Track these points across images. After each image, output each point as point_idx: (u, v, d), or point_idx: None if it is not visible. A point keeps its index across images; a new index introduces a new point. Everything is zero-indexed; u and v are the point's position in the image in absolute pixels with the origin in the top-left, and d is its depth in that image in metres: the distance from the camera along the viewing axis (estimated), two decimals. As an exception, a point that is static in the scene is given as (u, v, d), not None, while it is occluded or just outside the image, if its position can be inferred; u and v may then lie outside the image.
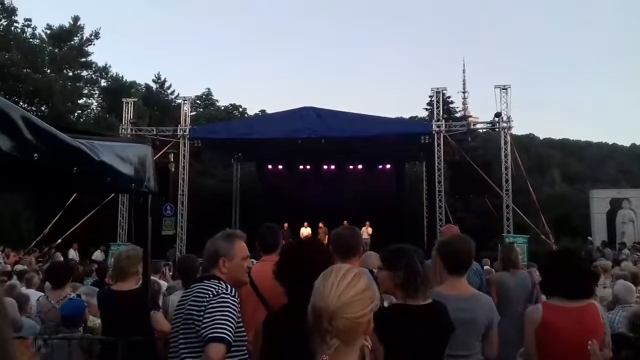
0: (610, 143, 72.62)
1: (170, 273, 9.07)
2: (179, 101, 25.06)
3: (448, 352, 2.91)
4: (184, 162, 20.38)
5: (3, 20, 28.79)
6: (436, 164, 18.71)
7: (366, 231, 19.64)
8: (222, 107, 44.96)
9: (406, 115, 42.82)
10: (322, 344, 1.48)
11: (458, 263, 3.30)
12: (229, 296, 2.67)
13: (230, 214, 24.68)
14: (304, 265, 2.40)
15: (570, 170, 49.17)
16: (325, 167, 24.21)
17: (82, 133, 2.37)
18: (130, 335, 3.51)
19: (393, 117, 28.59)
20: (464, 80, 58.42)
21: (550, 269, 3.23)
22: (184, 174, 20.41)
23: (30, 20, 30.24)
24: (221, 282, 2.77)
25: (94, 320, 4.67)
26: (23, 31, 29.84)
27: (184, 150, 20.32)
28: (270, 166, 25.26)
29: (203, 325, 2.55)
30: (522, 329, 3.27)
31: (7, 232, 20.45)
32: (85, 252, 18.82)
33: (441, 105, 19.62)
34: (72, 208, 18.19)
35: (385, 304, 3.08)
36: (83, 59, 32.58)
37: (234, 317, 2.62)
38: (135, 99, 23.29)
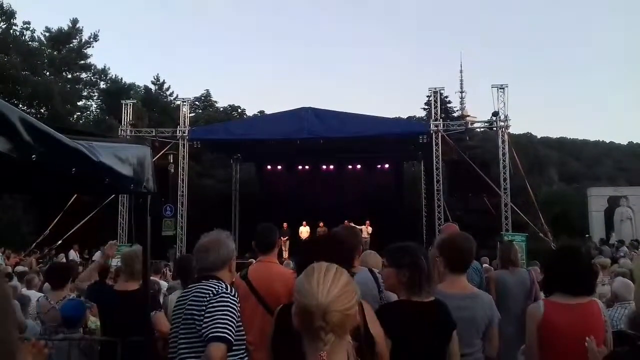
0: (608, 141, 72.91)
1: (171, 273, 9.08)
2: (178, 102, 24.98)
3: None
4: (183, 163, 20.37)
5: (2, 23, 28.83)
6: (434, 163, 18.71)
7: (366, 230, 19.64)
8: (221, 108, 44.91)
9: (404, 115, 42.94)
10: (317, 341, 1.49)
11: (460, 261, 3.31)
12: (229, 296, 2.69)
13: (230, 214, 24.66)
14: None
15: (567, 168, 49.29)
16: (324, 167, 24.19)
17: (81, 134, 2.38)
18: (132, 335, 3.52)
19: (391, 117, 28.66)
20: (461, 79, 58.52)
21: (554, 265, 3.21)
22: (183, 174, 20.41)
23: (29, 23, 30.34)
24: (220, 282, 2.78)
25: (96, 322, 4.69)
26: (22, 34, 29.90)
27: (183, 151, 20.32)
28: (269, 167, 25.25)
29: (204, 325, 2.57)
30: (521, 327, 3.28)
31: (8, 233, 20.48)
32: (85, 253, 18.84)
33: (439, 105, 19.61)
34: (72, 209, 18.19)
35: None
36: (82, 61, 32.63)
37: (234, 316, 2.63)
38: (135, 101, 23.28)
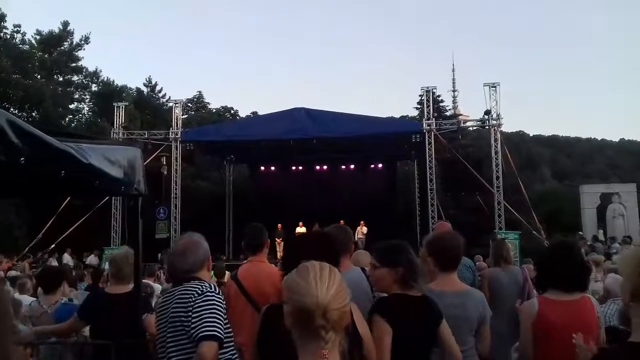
0: (599, 139, 73.19)
1: (165, 276, 9.05)
2: (171, 104, 24.94)
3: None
4: (176, 165, 20.34)
5: (-8, 26, 28.65)
6: (427, 162, 18.76)
7: (361, 230, 19.67)
8: (214, 110, 44.81)
9: (397, 115, 42.92)
10: (317, 340, 1.49)
11: (449, 259, 3.31)
12: (213, 294, 2.69)
13: (224, 216, 24.62)
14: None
15: (560, 166, 49.51)
16: (317, 167, 24.18)
17: (70, 136, 2.37)
18: (124, 338, 3.51)
19: (384, 116, 28.64)
20: (453, 79, 58.54)
21: (547, 262, 3.23)
22: (176, 177, 20.37)
23: (19, 26, 30.13)
24: (203, 282, 2.78)
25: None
26: (12, 37, 29.70)
27: (177, 153, 20.28)
28: (262, 167, 25.21)
29: (192, 326, 2.56)
30: (514, 324, 3.29)
31: (0, 238, 20.35)
32: (78, 256, 18.76)
33: (431, 104, 19.65)
34: (65, 213, 18.12)
35: None
36: (73, 64, 32.47)
37: (221, 314, 2.64)
38: (127, 103, 23.20)
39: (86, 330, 4.07)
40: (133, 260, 3.84)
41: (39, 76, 29.71)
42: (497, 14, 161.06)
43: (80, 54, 32.58)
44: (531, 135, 63.54)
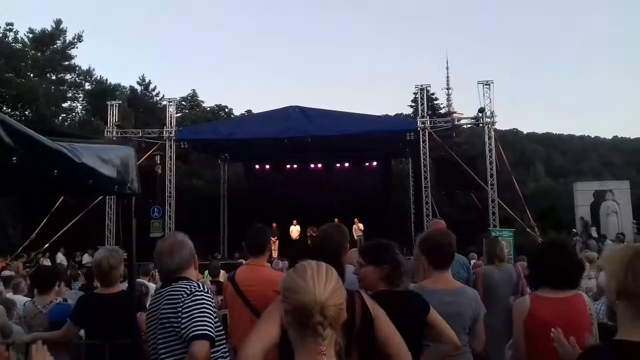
0: (593, 136, 73.43)
1: (159, 275, 9.02)
2: (164, 103, 24.87)
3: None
4: (170, 164, 20.28)
5: (-16, 25, 28.46)
6: (422, 160, 18.80)
7: (357, 228, 19.69)
8: (208, 108, 44.68)
9: (391, 113, 42.91)
10: (315, 337, 1.54)
11: (440, 257, 3.32)
12: (202, 293, 2.69)
13: (219, 214, 24.59)
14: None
15: (554, 163, 49.64)
16: (312, 165, 24.18)
17: (63, 135, 2.36)
18: (116, 338, 3.49)
19: (378, 114, 28.63)
20: (447, 76, 58.71)
21: (539, 260, 3.25)
22: (170, 175, 20.31)
23: (12, 24, 29.87)
24: (191, 282, 2.78)
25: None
26: (5, 35, 29.48)
27: (171, 152, 20.22)
28: (257, 166, 25.20)
29: (182, 326, 2.56)
30: (509, 322, 3.30)
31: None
32: (71, 256, 18.69)
33: (425, 102, 19.69)
34: (59, 212, 18.05)
35: None
36: (66, 63, 32.26)
37: (211, 313, 2.63)
38: (120, 102, 23.12)
39: (82, 331, 4.05)
40: (118, 262, 3.82)
41: (31, 75, 29.52)
42: (492, 12, 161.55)
43: (73, 52, 32.39)
44: (525, 132, 63.67)
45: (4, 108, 25.83)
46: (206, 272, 9.72)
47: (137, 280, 4.80)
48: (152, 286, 6.38)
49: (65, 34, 31.87)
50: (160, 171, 20.10)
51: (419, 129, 18.83)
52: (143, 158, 17.89)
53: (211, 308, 2.67)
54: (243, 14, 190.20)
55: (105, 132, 20.21)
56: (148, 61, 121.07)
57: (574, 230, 21.36)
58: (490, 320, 4.20)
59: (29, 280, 7.20)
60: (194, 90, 46.52)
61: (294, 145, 19.83)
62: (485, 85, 18.52)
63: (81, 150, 2.27)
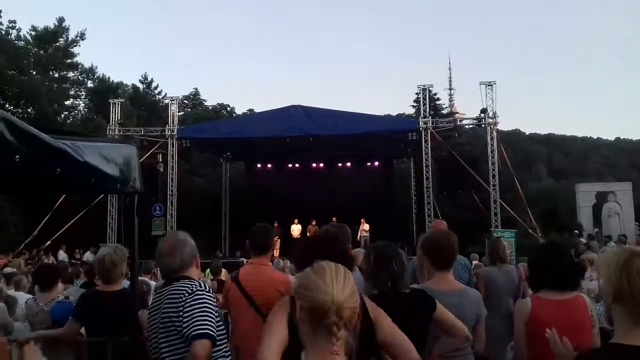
0: (595, 137, 73.28)
1: (161, 273, 9.01)
2: (167, 101, 24.87)
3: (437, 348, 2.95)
4: (172, 162, 20.28)
5: (-13, 22, 28.48)
6: (424, 160, 18.78)
7: (363, 228, 19.71)
8: (210, 107, 44.78)
9: (393, 113, 43.08)
10: (330, 336, 1.57)
11: (442, 258, 3.32)
12: (204, 292, 2.69)
13: (220, 213, 24.61)
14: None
15: (556, 164, 49.59)
16: (314, 165, 24.18)
17: (66, 134, 2.36)
18: (117, 336, 3.50)
19: (381, 114, 28.66)
20: (450, 77, 58.72)
21: (537, 262, 3.27)
22: (172, 174, 20.31)
23: (14, 22, 29.92)
24: (193, 281, 2.78)
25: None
26: (8, 33, 29.52)
27: (173, 150, 20.21)
28: (259, 165, 25.20)
29: (184, 325, 2.56)
30: (510, 323, 3.30)
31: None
32: (73, 253, 18.73)
33: (428, 102, 19.65)
34: (61, 210, 18.07)
35: None
36: (69, 61, 32.28)
37: (212, 312, 2.64)
38: (123, 100, 23.16)
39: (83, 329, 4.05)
40: (121, 260, 3.82)
41: (34, 72, 29.56)
42: (494, 12, 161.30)
43: (75, 50, 32.39)
44: (527, 133, 63.62)
45: (7, 106, 25.86)
46: (207, 270, 9.73)
47: (139, 278, 4.81)
48: (154, 284, 6.39)
49: (68, 31, 31.91)
50: (162, 169, 20.11)
51: (421, 129, 18.80)
52: (145, 156, 17.90)
53: (213, 307, 2.67)
54: (246, 14, 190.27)
55: (108, 130, 20.23)
56: (151, 59, 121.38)
57: (576, 231, 21.32)
58: (491, 321, 4.20)
59: (30, 277, 7.23)
60: (196, 89, 46.76)
61: (295, 144, 19.83)
62: (488, 86, 18.50)
63: (84, 148, 2.27)
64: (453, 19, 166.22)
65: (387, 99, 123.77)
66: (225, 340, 2.86)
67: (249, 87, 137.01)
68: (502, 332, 4.52)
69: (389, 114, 35.94)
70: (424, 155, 18.74)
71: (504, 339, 3.96)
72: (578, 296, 3.13)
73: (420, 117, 19.45)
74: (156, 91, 40.52)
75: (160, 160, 20.28)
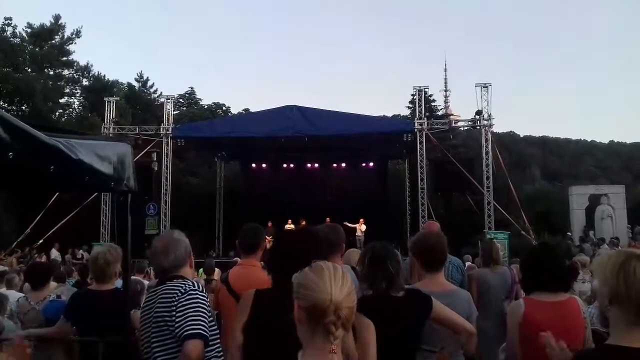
0: (589, 140, 73.69)
1: (154, 272, 8.99)
2: (162, 100, 24.86)
3: (427, 347, 2.96)
4: (167, 161, 20.23)
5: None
6: (419, 161, 18.81)
7: (359, 228, 19.71)
8: (206, 106, 44.63)
9: (389, 114, 43.09)
10: (326, 335, 1.58)
11: (433, 259, 3.32)
12: (197, 292, 2.68)
13: (214, 212, 24.57)
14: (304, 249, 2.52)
15: (550, 167, 49.85)
16: (308, 165, 24.19)
17: (60, 131, 2.35)
18: (109, 335, 3.48)
19: (376, 115, 28.65)
20: (445, 78, 58.93)
21: (529, 264, 3.28)
22: (167, 172, 20.27)
23: (10, 19, 29.77)
24: (186, 280, 2.77)
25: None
26: (3, 30, 29.38)
27: (167, 149, 20.16)
28: (254, 165, 25.18)
29: (177, 325, 2.56)
30: (503, 325, 3.31)
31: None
32: (66, 252, 18.63)
33: (423, 104, 19.71)
34: (54, 208, 17.98)
35: None
36: (64, 58, 32.12)
37: (205, 312, 2.63)
38: (118, 98, 23.06)
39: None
40: (115, 259, 3.80)
41: (29, 70, 29.43)
42: (490, 14, 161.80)
43: (71, 48, 32.24)
44: (522, 135, 63.97)
45: (1, 103, 25.75)
46: (201, 270, 9.72)
47: (132, 277, 4.79)
48: (147, 284, 6.37)
49: (63, 29, 31.77)
50: (156, 168, 20.08)
51: (416, 130, 18.84)
52: (140, 155, 17.85)
53: (205, 307, 2.66)
54: (242, 13, 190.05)
55: (102, 128, 20.17)
56: (146, 58, 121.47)
57: (569, 233, 21.39)
58: (484, 322, 4.21)
59: (22, 275, 7.19)
60: (191, 87, 46.58)
61: (291, 144, 19.81)
62: (483, 87, 18.56)
63: (78, 146, 2.26)
64: (449, 21, 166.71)
65: (383, 100, 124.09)
66: (218, 341, 2.85)
67: (245, 87, 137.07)
68: (493, 333, 4.53)
69: (384, 115, 35.92)
70: (418, 157, 18.78)
71: (496, 341, 3.96)
72: (571, 298, 3.15)
73: (415, 119, 19.51)
74: (151, 90, 40.40)
75: (155, 159, 20.24)
